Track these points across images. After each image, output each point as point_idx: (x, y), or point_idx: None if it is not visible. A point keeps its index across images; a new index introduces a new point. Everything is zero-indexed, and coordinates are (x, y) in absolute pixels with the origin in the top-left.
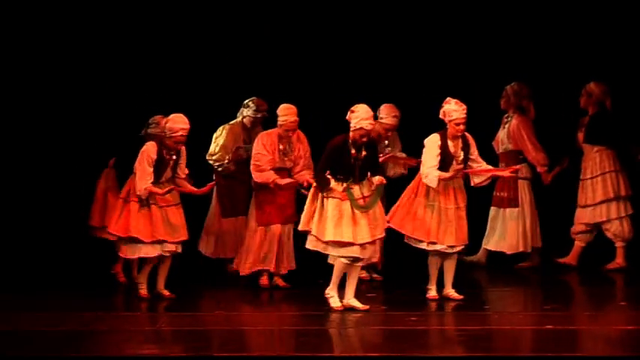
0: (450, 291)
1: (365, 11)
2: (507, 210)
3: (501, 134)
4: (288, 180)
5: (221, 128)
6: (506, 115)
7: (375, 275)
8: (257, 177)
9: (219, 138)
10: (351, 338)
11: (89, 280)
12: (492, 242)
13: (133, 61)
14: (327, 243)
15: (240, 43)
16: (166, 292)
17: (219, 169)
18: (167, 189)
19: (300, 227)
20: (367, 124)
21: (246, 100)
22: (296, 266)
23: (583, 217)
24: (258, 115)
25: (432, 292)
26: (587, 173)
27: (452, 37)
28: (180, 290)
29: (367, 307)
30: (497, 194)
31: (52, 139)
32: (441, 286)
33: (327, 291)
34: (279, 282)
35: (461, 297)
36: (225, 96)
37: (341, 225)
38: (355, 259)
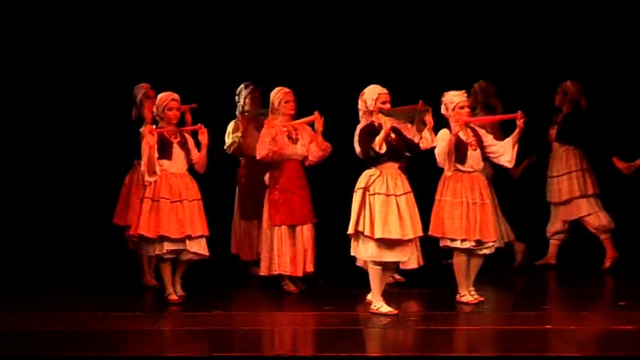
0: (470, 289)
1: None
2: None
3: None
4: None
5: (232, 123)
6: (474, 113)
7: (397, 277)
8: (258, 154)
9: (233, 133)
10: (349, 338)
11: (89, 280)
12: None
13: (162, 64)
14: (375, 242)
15: (248, 39)
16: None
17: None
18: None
19: (349, 231)
20: (381, 89)
21: (237, 91)
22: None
23: (559, 214)
24: (251, 87)
25: (467, 297)
26: (554, 171)
27: (424, 34)
28: (186, 290)
29: (395, 310)
30: None
31: (74, 139)
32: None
33: (372, 306)
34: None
35: (481, 299)
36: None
37: (388, 222)
38: (386, 266)
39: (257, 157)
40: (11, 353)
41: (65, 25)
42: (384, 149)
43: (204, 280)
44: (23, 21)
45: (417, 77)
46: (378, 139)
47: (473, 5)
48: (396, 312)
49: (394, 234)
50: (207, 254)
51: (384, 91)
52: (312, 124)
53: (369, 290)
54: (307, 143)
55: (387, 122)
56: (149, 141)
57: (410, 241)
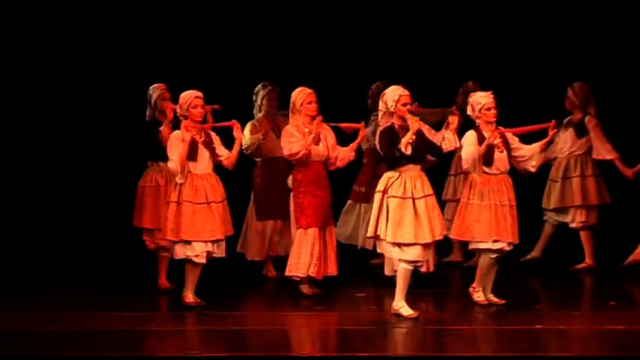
0: (490, 295)
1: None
2: (363, 205)
3: (367, 131)
4: (319, 128)
5: (249, 124)
6: (373, 114)
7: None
8: (289, 150)
9: (250, 134)
10: (346, 338)
11: (89, 280)
12: (343, 236)
13: (177, 64)
14: (393, 245)
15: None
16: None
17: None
18: (195, 130)
19: (369, 234)
20: (402, 91)
21: (255, 90)
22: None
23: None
24: (268, 87)
25: (482, 296)
26: (452, 169)
27: (446, 35)
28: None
29: (416, 313)
30: (356, 189)
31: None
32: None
33: (394, 304)
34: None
35: (503, 302)
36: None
37: (402, 225)
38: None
39: (289, 153)
40: (11, 353)
41: (81, 27)
42: (409, 151)
43: (206, 280)
44: (39, 23)
45: (439, 78)
46: (404, 140)
47: (492, 6)
48: (416, 315)
49: (407, 238)
50: (224, 255)
51: (406, 92)
52: (339, 131)
53: (378, 292)
54: (330, 145)
55: (414, 123)
56: (185, 137)
57: (429, 244)
